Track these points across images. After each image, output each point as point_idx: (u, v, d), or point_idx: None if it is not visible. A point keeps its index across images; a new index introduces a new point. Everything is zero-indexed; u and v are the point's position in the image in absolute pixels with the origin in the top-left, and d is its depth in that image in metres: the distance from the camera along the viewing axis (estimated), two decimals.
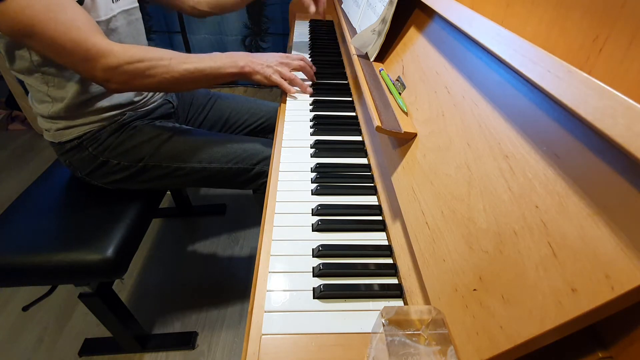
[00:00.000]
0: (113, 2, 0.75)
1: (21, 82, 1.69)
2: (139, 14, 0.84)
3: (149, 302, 1.16)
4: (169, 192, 1.43)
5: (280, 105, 0.84)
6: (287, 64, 0.82)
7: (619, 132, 0.22)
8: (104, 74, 0.65)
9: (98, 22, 0.70)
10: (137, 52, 0.67)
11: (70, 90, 0.73)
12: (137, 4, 0.83)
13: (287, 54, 0.86)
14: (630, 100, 0.22)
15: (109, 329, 0.93)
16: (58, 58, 0.64)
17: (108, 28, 0.74)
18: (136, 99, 0.84)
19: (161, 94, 0.92)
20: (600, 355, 0.26)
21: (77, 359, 1.01)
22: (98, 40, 0.63)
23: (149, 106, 0.88)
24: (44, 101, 0.74)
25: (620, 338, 0.25)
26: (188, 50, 1.81)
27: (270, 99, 1.89)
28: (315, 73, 0.89)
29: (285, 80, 0.81)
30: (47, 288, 0.87)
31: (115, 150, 0.80)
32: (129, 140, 0.81)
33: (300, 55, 0.88)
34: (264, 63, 0.78)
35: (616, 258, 0.22)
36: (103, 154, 0.80)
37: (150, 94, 0.88)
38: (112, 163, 0.81)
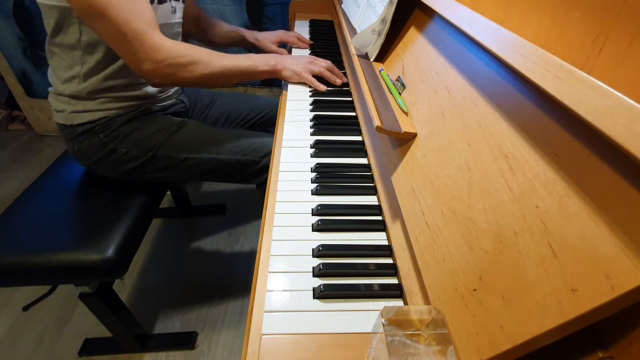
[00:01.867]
0: (172, 13, 0.80)
1: (24, 81, 1.69)
2: (181, 28, 0.89)
3: (149, 302, 1.16)
4: (169, 192, 1.43)
5: (280, 105, 0.84)
6: (317, 64, 0.87)
7: (619, 132, 0.22)
8: (150, 66, 0.68)
9: None
10: (182, 48, 0.71)
11: (104, 74, 0.75)
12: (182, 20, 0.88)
13: (315, 57, 0.90)
14: (630, 100, 0.22)
15: (109, 329, 0.93)
16: (114, 44, 0.67)
17: None
18: (159, 94, 0.88)
19: (177, 93, 0.96)
20: (600, 355, 0.26)
21: (77, 359, 1.01)
22: (154, 35, 0.67)
23: (165, 103, 0.91)
24: (71, 79, 0.76)
25: (620, 338, 0.25)
26: None
27: (272, 95, 1.88)
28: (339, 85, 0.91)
29: (314, 74, 0.86)
30: (47, 288, 0.86)
31: (125, 139, 0.81)
32: (139, 130, 0.82)
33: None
34: (294, 61, 0.84)
35: (616, 258, 0.22)
36: (113, 141, 0.81)
37: (170, 92, 0.92)
38: (120, 152, 0.82)
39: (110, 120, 0.80)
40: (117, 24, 0.63)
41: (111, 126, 0.81)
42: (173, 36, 0.85)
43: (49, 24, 0.70)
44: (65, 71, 0.75)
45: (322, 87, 0.86)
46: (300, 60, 0.86)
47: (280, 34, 1.12)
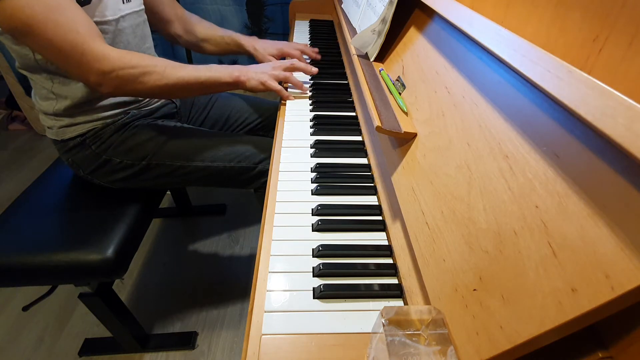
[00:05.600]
0: (123, 2, 0.75)
1: (24, 81, 1.69)
2: (145, 16, 0.84)
3: (149, 302, 1.16)
4: (169, 192, 1.43)
5: (280, 105, 0.84)
6: (280, 67, 0.82)
7: (619, 132, 0.22)
8: (96, 78, 0.65)
9: (106, 22, 0.70)
10: (132, 58, 0.67)
11: (75, 88, 0.73)
12: (144, 6, 0.83)
13: (279, 61, 0.85)
14: (630, 100, 0.22)
15: (109, 329, 0.93)
16: (53, 59, 0.64)
17: (117, 28, 0.74)
18: (140, 97, 0.85)
19: None
20: (600, 355, 0.26)
21: (77, 359, 1.01)
22: (95, 45, 0.63)
23: (152, 105, 0.89)
24: (49, 98, 0.74)
25: (620, 338, 0.25)
26: (188, 50, 1.81)
27: (271, 98, 1.89)
28: (315, 73, 0.89)
29: (280, 80, 0.81)
30: (47, 288, 0.86)
31: (118, 149, 0.80)
32: (131, 139, 0.81)
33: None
34: (258, 71, 0.79)
35: (616, 258, 0.22)
36: (106, 152, 0.80)
37: None
38: (114, 162, 0.81)
39: (99, 131, 0.79)
40: (49, 40, 0.59)
41: (102, 137, 0.79)
42: (138, 27, 0.80)
43: (10, 50, 0.68)
44: (40, 91, 0.74)
45: (289, 96, 0.83)
46: (265, 68, 0.81)
47: (281, 46, 1.00)
